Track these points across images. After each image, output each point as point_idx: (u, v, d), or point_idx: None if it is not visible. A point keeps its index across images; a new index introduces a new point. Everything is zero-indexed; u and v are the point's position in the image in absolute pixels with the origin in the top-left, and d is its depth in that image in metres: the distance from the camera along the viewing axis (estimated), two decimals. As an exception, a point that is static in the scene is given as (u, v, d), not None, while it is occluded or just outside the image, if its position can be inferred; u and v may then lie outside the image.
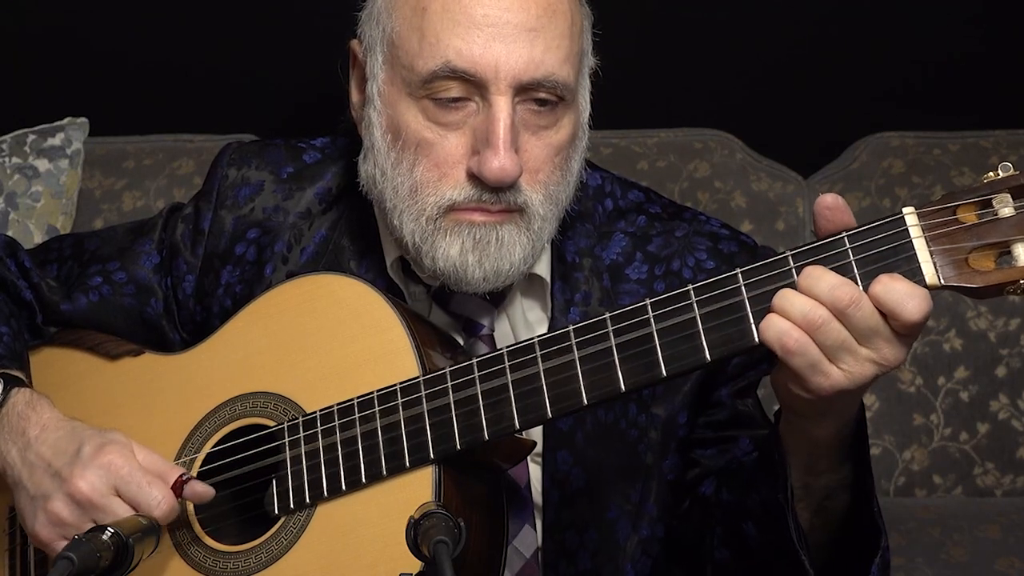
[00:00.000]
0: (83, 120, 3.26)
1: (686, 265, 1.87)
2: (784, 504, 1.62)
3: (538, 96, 1.69)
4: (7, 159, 3.18)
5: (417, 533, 1.44)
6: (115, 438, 1.72)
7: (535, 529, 1.81)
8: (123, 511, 1.67)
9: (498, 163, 1.65)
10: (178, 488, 1.70)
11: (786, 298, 1.47)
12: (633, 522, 1.82)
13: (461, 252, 1.70)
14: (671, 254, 1.87)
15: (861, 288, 1.46)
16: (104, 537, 1.52)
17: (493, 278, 1.72)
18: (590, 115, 1.83)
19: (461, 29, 1.66)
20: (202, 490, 1.71)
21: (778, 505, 1.63)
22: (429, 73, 1.67)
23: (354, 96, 1.84)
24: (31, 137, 3.21)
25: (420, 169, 1.71)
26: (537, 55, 1.67)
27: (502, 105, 1.66)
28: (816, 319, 1.45)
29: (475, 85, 1.67)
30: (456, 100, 1.69)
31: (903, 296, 1.44)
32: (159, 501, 1.67)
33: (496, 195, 1.69)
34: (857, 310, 1.45)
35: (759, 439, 1.83)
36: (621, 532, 1.82)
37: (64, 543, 1.62)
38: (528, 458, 1.78)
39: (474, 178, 1.68)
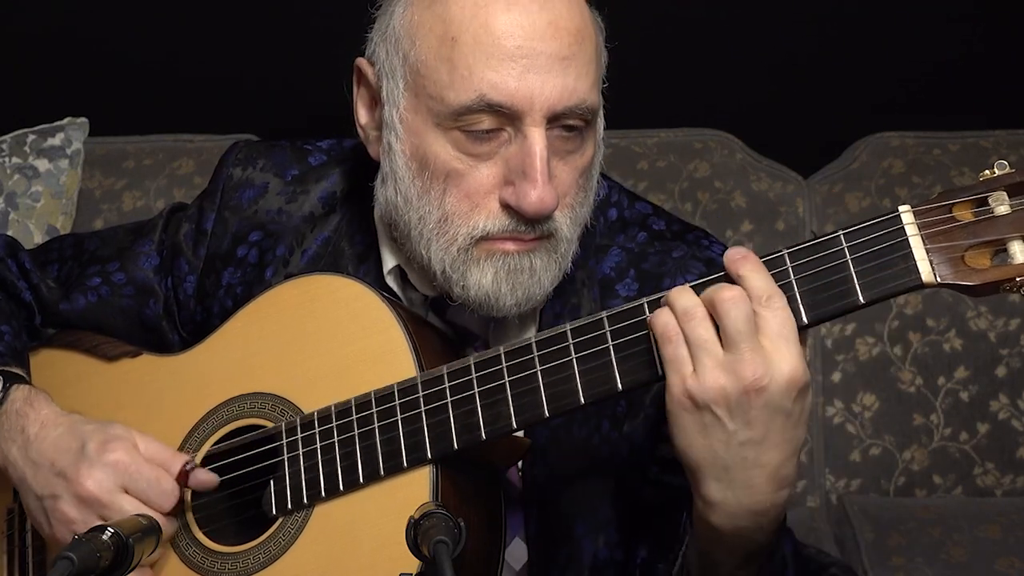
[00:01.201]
0: (83, 120, 3.27)
1: (676, 285, 1.84)
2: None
3: (568, 123, 1.67)
4: (7, 159, 3.18)
5: (417, 533, 1.44)
6: (117, 432, 1.72)
7: (525, 542, 1.80)
8: (131, 507, 1.67)
9: (537, 195, 1.63)
10: (183, 477, 1.70)
11: (678, 293, 1.51)
12: (595, 541, 1.79)
13: (495, 281, 1.68)
14: (663, 273, 1.83)
15: (859, 294, 1.47)
16: (104, 537, 1.52)
17: (525, 304, 1.70)
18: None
19: (495, 61, 1.63)
20: (206, 478, 1.72)
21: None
22: (462, 107, 1.64)
23: (362, 116, 1.80)
24: (31, 137, 3.21)
25: (450, 199, 1.68)
26: (571, 83, 1.64)
27: (537, 137, 1.63)
28: (689, 315, 1.48)
29: (508, 116, 1.64)
30: (489, 131, 1.66)
31: (730, 301, 1.46)
32: (168, 495, 1.68)
33: (531, 226, 1.67)
34: (689, 320, 1.48)
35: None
36: (586, 550, 1.79)
37: None
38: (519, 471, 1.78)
39: (508, 208, 1.66)
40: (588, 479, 1.79)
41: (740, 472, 1.49)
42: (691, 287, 1.52)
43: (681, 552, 1.64)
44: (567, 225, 1.70)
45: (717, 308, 1.46)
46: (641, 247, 1.86)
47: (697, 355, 1.47)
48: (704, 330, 1.47)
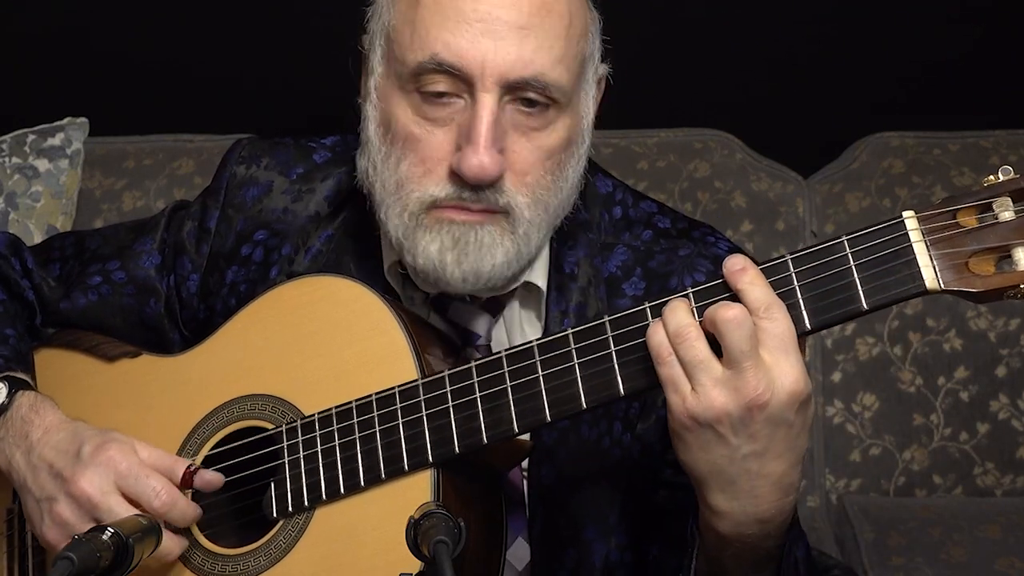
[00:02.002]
0: (83, 120, 3.27)
1: (683, 285, 1.82)
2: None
3: (527, 96, 1.67)
4: (7, 159, 3.18)
5: (417, 533, 1.44)
6: (116, 436, 1.72)
7: (528, 543, 1.80)
8: (123, 509, 1.66)
9: (477, 160, 1.63)
10: (188, 479, 1.70)
11: (671, 311, 1.50)
12: (606, 543, 1.79)
13: (440, 251, 1.68)
14: (670, 272, 1.83)
15: (863, 299, 1.46)
16: (104, 537, 1.52)
17: (473, 279, 1.69)
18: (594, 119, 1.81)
19: (451, 23, 1.65)
20: (212, 477, 1.71)
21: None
22: (417, 65, 1.66)
23: (361, 94, 1.84)
24: (31, 137, 3.21)
25: (406, 164, 1.70)
26: (526, 54, 1.65)
27: (486, 102, 1.64)
28: (682, 335, 1.47)
29: (463, 81, 1.65)
30: (443, 95, 1.67)
31: (731, 324, 1.45)
32: (158, 491, 1.66)
33: (476, 194, 1.67)
34: (682, 342, 1.47)
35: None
36: (597, 553, 1.79)
37: None
38: (519, 470, 1.78)
39: (456, 176, 1.66)
40: (598, 481, 1.79)
41: (745, 483, 1.49)
42: (689, 296, 1.52)
43: (692, 559, 1.64)
44: (525, 204, 1.69)
45: (719, 327, 1.45)
46: (647, 245, 1.86)
47: (694, 374, 1.47)
48: (698, 351, 1.47)
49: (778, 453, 1.48)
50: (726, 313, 1.45)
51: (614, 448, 1.79)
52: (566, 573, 1.78)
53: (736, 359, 1.44)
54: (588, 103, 1.77)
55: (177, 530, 1.71)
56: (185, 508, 1.70)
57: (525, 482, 1.80)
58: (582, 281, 1.81)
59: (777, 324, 1.46)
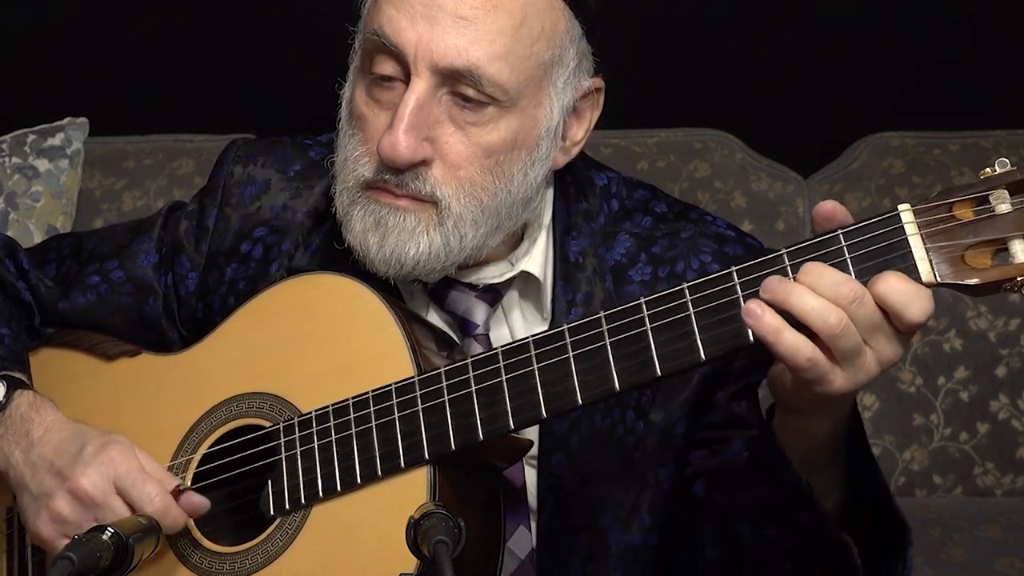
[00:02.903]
0: (83, 120, 3.27)
1: (690, 268, 1.84)
2: (800, 498, 1.59)
3: (462, 91, 1.67)
4: (7, 159, 3.18)
5: (417, 533, 1.43)
6: (118, 439, 1.72)
7: (530, 531, 1.80)
8: (123, 510, 1.67)
9: (389, 141, 1.65)
10: (175, 497, 1.70)
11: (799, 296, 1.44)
12: (625, 529, 1.80)
13: (363, 230, 1.71)
14: (675, 256, 1.84)
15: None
16: (104, 537, 1.52)
17: (396, 264, 1.71)
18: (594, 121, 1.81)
19: (398, 1, 1.68)
20: (198, 501, 1.71)
21: (780, 501, 1.61)
22: (365, 40, 1.71)
23: None
24: (31, 137, 3.21)
25: (353, 143, 1.73)
26: (462, 44, 1.65)
27: (416, 86, 1.66)
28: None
29: (402, 64, 1.67)
30: (389, 79, 1.69)
31: (908, 297, 1.41)
32: (152, 497, 1.66)
33: (398, 177, 1.68)
34: (860, 307, 1.42)
35: (752, 439, 1.82)
36: (613, 539, 1.80)
37: (65, 541, 1.61)
38: (525, 460, 1.78)
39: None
40: (612, 469, 1.79)
41: (866, 367, 1.47)
42: (784, 255, 1.48)
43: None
44: (454, 198, 1.69)
45: (887, 300, 1.43)
46: (648, 232, 1.87)
47: (872, 337, 1.44)
48: (876, 310, 1.43)
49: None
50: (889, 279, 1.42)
51: (627, 436, 1.80)
52: (578, 561, 1.79)
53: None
54: (551, 109, 1.74)
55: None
56: (177, 516, 1.70)
57: (535, 471, 1.80)
58: (588, 270, 1.82)
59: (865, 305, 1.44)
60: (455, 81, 1.66)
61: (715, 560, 1.77)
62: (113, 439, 1.72)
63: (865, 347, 1.44)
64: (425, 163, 1.68)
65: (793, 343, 1.42)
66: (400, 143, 1.65)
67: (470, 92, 1.67)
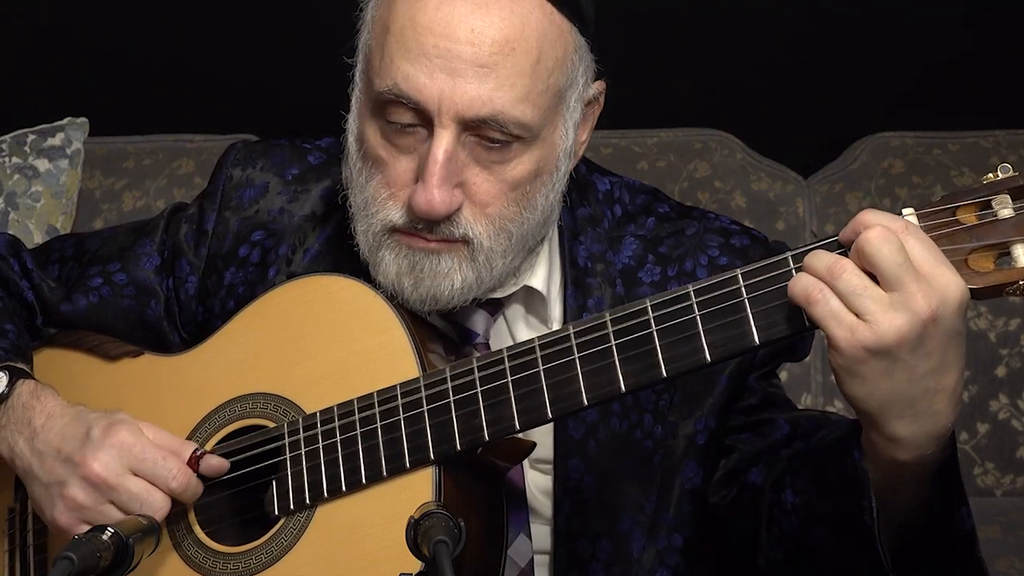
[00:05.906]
0: (83, 120, 3.27)
1: (699, 264, 1.85)
2: (868, 520, 1.55)
3: (487, 134, 1.66)
4: (7, 159, 3.18)
5: (417, 533, 1.43)
6: (121, 418, 1.72)
7: (530, 538, 1.80)
8: (138, 489, 1.67)
9: (424, 197, 1.64)
10: (193, 463, 1.70)
11: (814, 255, 1.45)
12: (648, 533, 1.80)
13: (397, 274, 1.71)
14: (683, 254, 1.85)
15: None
16: (104, 537, 1.51)
17: (431, 302, 1.71)
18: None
19: (412, 55, 1.64)
20: (217, 463, 1.72)
21: (854, 516, 1.57)
22: (380, 94, 1.67)
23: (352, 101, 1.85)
24: (31, 137, 3.21)
25: (373, 184, 1.72)
26: (485, 92, 1.63)
27: (442, 139, 1.64)
28: (837, 268, 1.42)
29: (422, 115, 1.65)
30: (408, 126, 1.67)
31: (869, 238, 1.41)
32: (175, 473, 1.68)
33: (429, 227, 1.68)
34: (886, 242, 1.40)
35: (798, 423, 1.79)
36: (635, 544, 1.79)
37: (84, 527, 1.62)
38: (527, 465, 1.78)
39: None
40: (632, 474, 1.79)
41: (924, 403, 1.45)
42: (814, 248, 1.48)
43: (870, 500, 1.55)
44: (486, 235, 1.70)
45: (865, 251, 1.41)
46: (653, 233, 1.88)
47: (859, 304, 1.42)
48: (858, 278, 1.42)
49: (951, 363, 1.44)
50: (868, 233, 1.41)
51: (646, 440, 1.80)
52: (599, 565, 1.78)
53: (897, 277, 1.40)
54: (566, 130, 1.74)
55: (175, 524, 1.73)
56: (196, 488, 1.71)
57: (540, 476, 1.81)
58: (598, 275, 1.82)
59: (922, 238, 1.43)
60: (479, 127, 1.65)
61: (776, 561, 1.73)
62: (117, 419, 1.72)
63: (878, 291, 1.42)
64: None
65: (803, 283, 1.45)
66: (435, 199, 1.64)
67: (496, 135, 1.66)
